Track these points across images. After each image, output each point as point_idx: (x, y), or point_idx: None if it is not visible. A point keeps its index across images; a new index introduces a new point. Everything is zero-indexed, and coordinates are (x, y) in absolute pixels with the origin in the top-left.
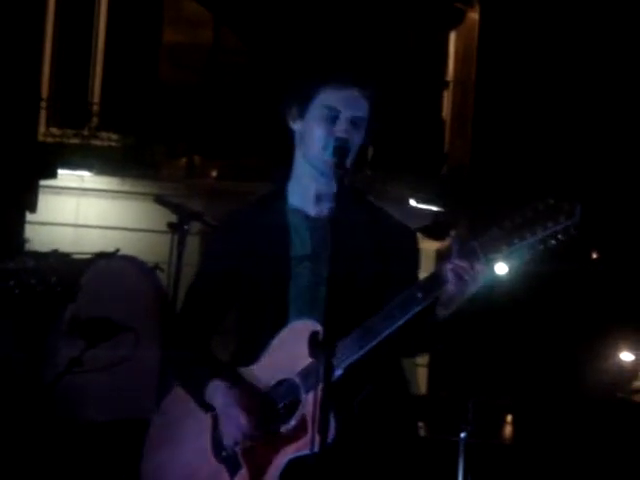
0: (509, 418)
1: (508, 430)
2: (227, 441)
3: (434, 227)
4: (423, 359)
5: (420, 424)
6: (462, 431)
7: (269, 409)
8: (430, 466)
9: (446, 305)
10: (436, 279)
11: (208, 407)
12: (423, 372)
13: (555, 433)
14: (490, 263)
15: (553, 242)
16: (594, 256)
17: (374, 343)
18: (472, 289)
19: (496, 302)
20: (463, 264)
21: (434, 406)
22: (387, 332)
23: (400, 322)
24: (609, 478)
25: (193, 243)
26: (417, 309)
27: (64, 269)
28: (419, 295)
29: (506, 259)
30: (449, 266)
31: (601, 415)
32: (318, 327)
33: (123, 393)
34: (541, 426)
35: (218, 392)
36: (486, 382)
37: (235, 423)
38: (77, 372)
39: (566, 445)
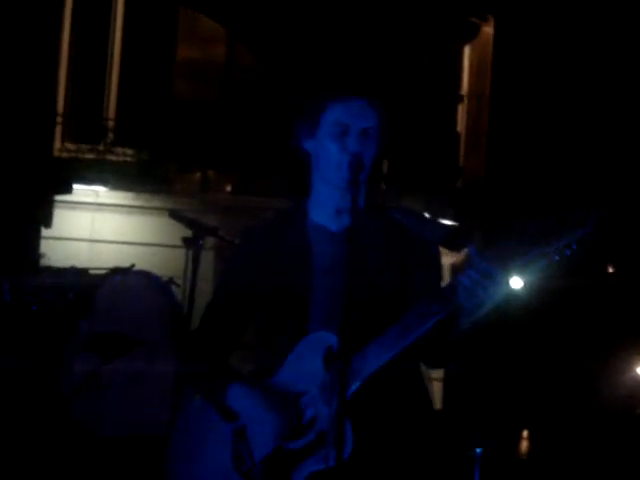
0: (525, 433)
1: (524, 445)
2: (247, 456)
3: (452, 239)
4: (438, 373)
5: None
6: (478, 446)
7: (289, 422)
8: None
9: (463, 318)
10: (450, 292)
11: (231, 415)
12: (438, 386)
13: (571, 448)
14: (505, 275)
15: (568, 252)
16: (610, 270)
17: (391, 356)
18: (487, 301)
19: (512, 316)
20: (477, 277)
21: (450, 421)
22: (404, 345)
23: (417, 335)
24: None
25: (207, 258)
26: (433, 321)
27: (81, 285)
28: (434, 308)
29: (521, 272)
30: (464, 278)
31: (617, 430)
32: (334, 340)
33: (138, 408)
34: (557, 441)
35: (240, 394)
36: (502, 397)
37: (265, 422)
38: (93, 388)
39: (582, 460)
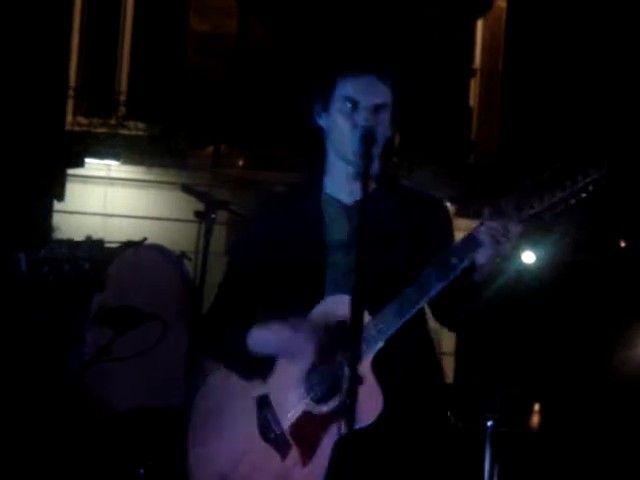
0: (536, 406)
1: (535, 418)
2: (274, 423)
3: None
4: (450, 347)
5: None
6: (489, 419)
7: (315, 387)
8: (457, 454)
9: (480, 269)
10: (469, 243)
11: (254, 369)
12: (450, 361)
13: (583, 421)
14: (521, 227)
15: (584, 195)
16: (622, 244)
17: (413, 312)
18: (505, 250)
19: (524, 291)
20: (495, 225)
21: (461, 394)
22: (425, 300)
23: (437, 289)
24: (636, 466)
25: (220, 232)
26: (453, 274)
27: (97, 256)
28: (454, 260)
29: (533, 246)
30: (482, 228)
31: (629, 403)
32: (348, 304)
33: (150, 382)
34: (569, 414)
35: (265, 331)
36: (513, 371)
37: (307, 341)
38: (105, 360)
39: (594, 433)
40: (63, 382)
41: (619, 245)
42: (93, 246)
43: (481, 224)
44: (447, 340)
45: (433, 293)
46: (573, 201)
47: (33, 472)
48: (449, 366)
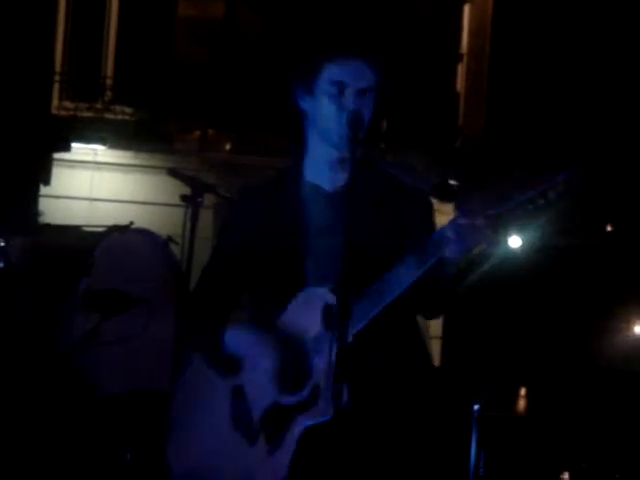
0: (523, 391)
1: (522, 403)
2: (244, 412)
3: (442, 188)
4: (436, 331)
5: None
6: (475, 404)
7: (285, 377)
8: (443, 438)
9: (449, 263)
10: (438, 238)
11: (230, 365)
12: (436, 344)
13: (569, 406)
14: (490, 224)
15: (542, 202)
16: (608, 229)
17: (380, 308)
18: (470, 251)
19: (510, 275)
20: (464, 221)
21: (447, 378)
22: (394, 295)
23: (406, 284)
24: (622, 450)
25: (206, 216)
26: (422, 270)
27: (79, 242)
28: (422, 256)
29: (519, 230)
30: (451, 225)
31: (615, 388)
32: (329, 295)
33: (137, 365)
34: (555, 399)
35: (238, 335)
36: (500, 355)
37: (268, 353)
38: (92, 344)
39: (580, 418)
40: (51, 366)
41: (606, 229)
42: (78, 231)
43: (450, 221)
44: (434, 324)
45: (402, 288)
46: (542, 201)
47: (22, 455)
48: (436, 350)
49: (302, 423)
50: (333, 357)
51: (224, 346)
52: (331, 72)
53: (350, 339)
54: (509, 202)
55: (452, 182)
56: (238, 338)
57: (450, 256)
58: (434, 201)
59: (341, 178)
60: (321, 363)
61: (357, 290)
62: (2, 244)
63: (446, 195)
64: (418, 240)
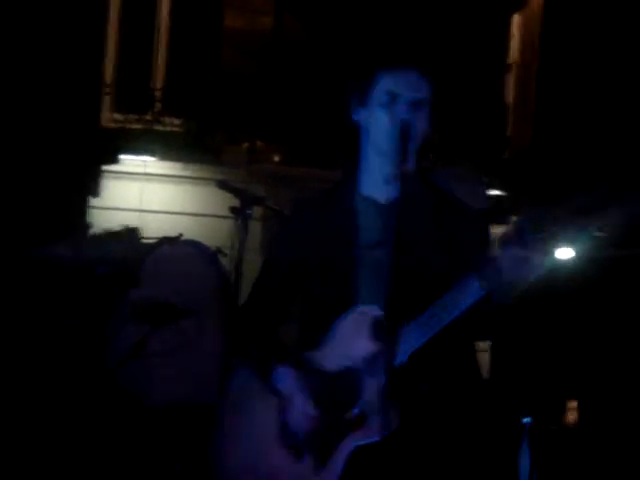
0: (574, 403)
1: (573, 415)
2: (293, 428)
3: (495, 211)
4: (485, 344)
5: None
6: (525, 416)
7: (335, 396)
8: (493, 452)
9: (505, 293)
10: (491, 267)
11: (276, 392)
12: (485, 357)
13: (621, 419)
14: (542, 247)
15: (612, 228)
16: None
17: (437, 331)
18: (530, 276)
19: (561, 287)
20: (518, 251)
21: (497, 391)
22: (448, 321)
23: (460, 311)
24: None
25: (255, 228)
26: (475, 298)
27: (133, 252)
28: (476, 284)
29: (571, 242)
30: (504, 254)
31: None
32: (381, 313)
33: (186, 377)
34: (606, 411)
35: (285, 378)
36: (549, 367)
37: (302, 411)
38: (140, 356)
39: (632, 430)
40: (99, 378)
41: None
42: (130, 235)
43: (503, 249)
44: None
45: (455, 315)
46: (602, 231)
47: (70, 468)
48: (484, 363)
49: (352, 442)
50: (384, 376)
51: (272, 378)
52: (385, 83)
53: (405, 359)
54: (579, 225)
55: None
56: (284, 380)
57: (504, 284)
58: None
59: (394, 190)
60: (372, 382)
61: (408, 305)
62: (57, 255)
63: (497, 218)
64: (478, 263)
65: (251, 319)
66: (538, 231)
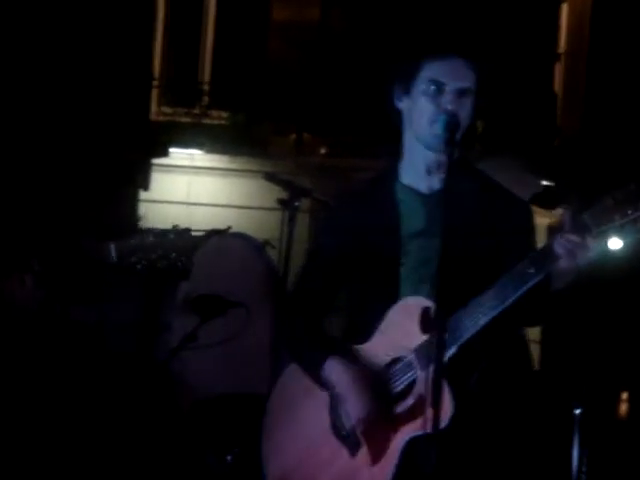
0: (625, 395)
1: (624, 407)
2: (346, 422)
3: (545, 196)
4: (535, 335)
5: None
6: (577, 408)
7: (386, 389)
8: (545, 443)
9: (559, 279)
10: (547, 254)
11: (326, 385)
12: (535, 348)
13: None
14: (602, 236)
15: None
16: None
17: (488, 320)
18: (584, 263)
19: (611, 277)
20: (574, 238)
21: (548, 382)
22: (500, 308)
23: (513, 298)
24: None
25: (303, 220)
26: (529, 285)
27: (183, 245)
28: (531, 270)
29: (619, 233)
30: (560, 240)
31: None
32: (430, 303)
33: (235, 368)
34: None
35: (335, 371)
36: (600, 358)
37: (354, 405)
38: (191, 348)
39: None
40: (151, 369)
41: None
42: (180, 235)
43: (560, 236)
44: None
45: (509, 302)
46: None
47: (122, 457)
48: (535, 354)
49: (406, 434)
50: (435, 367)
51: (322, 371)
52: (430, 71)
53: (455, 350)
54: (631, 215)
55: (552, 186)
56: (335, 373)
57: (558, 271)
58: (535, 209)
59: (437, 181)
60: (423, 374)
61: (455, 294)
62: (108, 248)
63: (548, 203)
64: (528, 253)
65: (297, 310)
66: (601, 223)
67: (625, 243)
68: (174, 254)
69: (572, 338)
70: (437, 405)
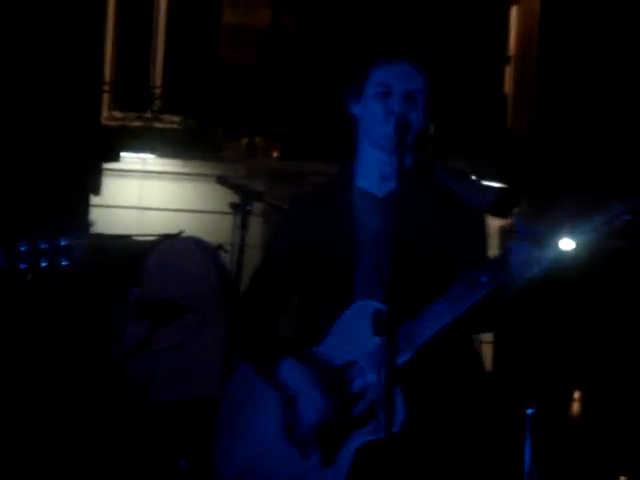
0: (577, 394)
1: (576, 406)
2: (299, 425)
3: (500, 205)
4: (488, 336)
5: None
6: (529, 407)
7: (340, 392)
8: (497, 443)
9: (512, 286)
10: (502, 262)
11: (281, 387)
12: (488, 349)
13: (624, 409)
14: (555, 242)
15: (617, 222)
16: None
17: (443, 326)
18: (538, 269)
19: (563, 277)
20: (528, 245)
21: (500, 383)
22: (455, 315)
23: (467, 305)
24: None
25: (255, 223)
26: (484, 293)
27: (129, 251)
28: (485, 279)
29: (571, 234)
30: (513, 249)
31: None
32: (382, 307)
33: (189, 372)
34: (610, 402)
35: (293, 371)
36: (553, 358)
37: (314, 404)
38: (144, 353)
39: (635, 421)
40: (104, 375)
41: None
42: (127, 241)
43: (513, 244)
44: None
45: (465, 308)
46: (606, 228)
47: (74, 462)
48: (488, 355)
49: (358, 439)
50: (387, 372)
51: (276, 371)
52: (378, 74)
53: (410, 355)
54: (583, 226)
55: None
56: (290, 372)
57: (517, 274)
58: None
59: (392, 184)
60: (376, 379)
61: (408, 299)
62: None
63: (502, 211)
64: (484, 257)
65: (250, 313)
66: (546, 225)
67: (577, 244)
68: (65, 261)
69: (525, 338)
70: (389, 410)
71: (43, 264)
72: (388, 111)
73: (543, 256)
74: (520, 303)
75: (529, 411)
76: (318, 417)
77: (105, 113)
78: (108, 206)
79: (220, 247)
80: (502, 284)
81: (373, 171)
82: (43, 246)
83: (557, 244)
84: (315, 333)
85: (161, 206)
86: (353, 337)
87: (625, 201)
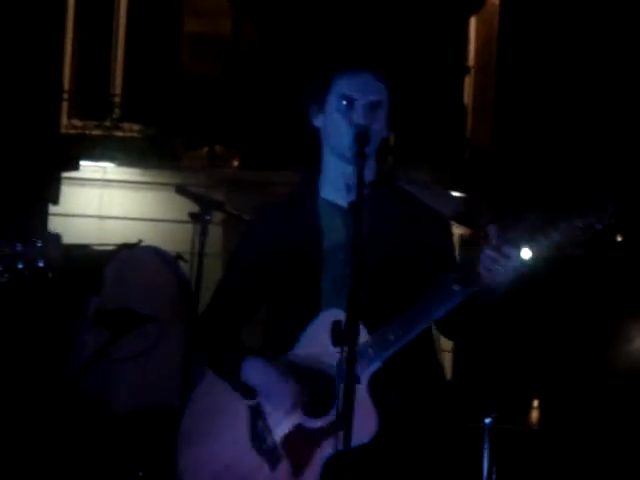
0: (535, 403)
1: (535, 415)
2: (267, 435)
3: (466, 215)
4: (447, 344)
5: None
6: (487, 416)
7: (308, 403)
8: (455, 452)
9: (482, 295)
10: (472, 272)
11: (246, 390)
12: (448, 357)
13: (582, 417)
14: (523, 255)
15: (573, 232)
16: (619, 239)
17: (413, 335)
18: (507, 280)
19: (521, 287)
20: (498, 257)
21: (459, 392)
22: (425, 325)
23: (438, 315)
24: (638, 462)
25: (215, 233)
26: (454, 302)
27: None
28: (456, 288)
29: (529, 243)
30: (485, 258)
31: (628, 398)
32: (340, 317)
33: (148, 382)
34: (568, 410)
35: (256, 370)
36: (511, 367)
37: (283, 394)
38: (103, 363)
39: (593, 429)
40: (61, 385)
41: (615, 239)
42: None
43: (485, 253)
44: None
45: (434, 317)
46: (568, 241)
47: (32, 474)
48: (447, 363)
49: (327, 449)
50: (354, 381)
51: (240, 372)
52: (340, 87)
53: (380, 364)
54: (547, 238)
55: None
56: (254, 371)
57: (488, 285)
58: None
59: (356, 195)
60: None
61: (374, 308)
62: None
63: (468, 222)
64: (453, 267)
65: (215, 323)
66: (515, 234)
67: (534, 253)
68: (40, 263)
69: (484, 347)
70: (348, 419)
71: (20, 266)
72: (351, 123)
73: (514, 265)
74: (491, 313)
75: (487, 420)
76: (283, 430)
77: (64, 121)
78: (67, 215)
79: (179, 256)
80: (473, 292)
81: (338, 182)
82: (19, 248)
83: (524, 258)
84: (282, 343)
85: (121, 215)
86: (320, 347)
87: (583, 212)
